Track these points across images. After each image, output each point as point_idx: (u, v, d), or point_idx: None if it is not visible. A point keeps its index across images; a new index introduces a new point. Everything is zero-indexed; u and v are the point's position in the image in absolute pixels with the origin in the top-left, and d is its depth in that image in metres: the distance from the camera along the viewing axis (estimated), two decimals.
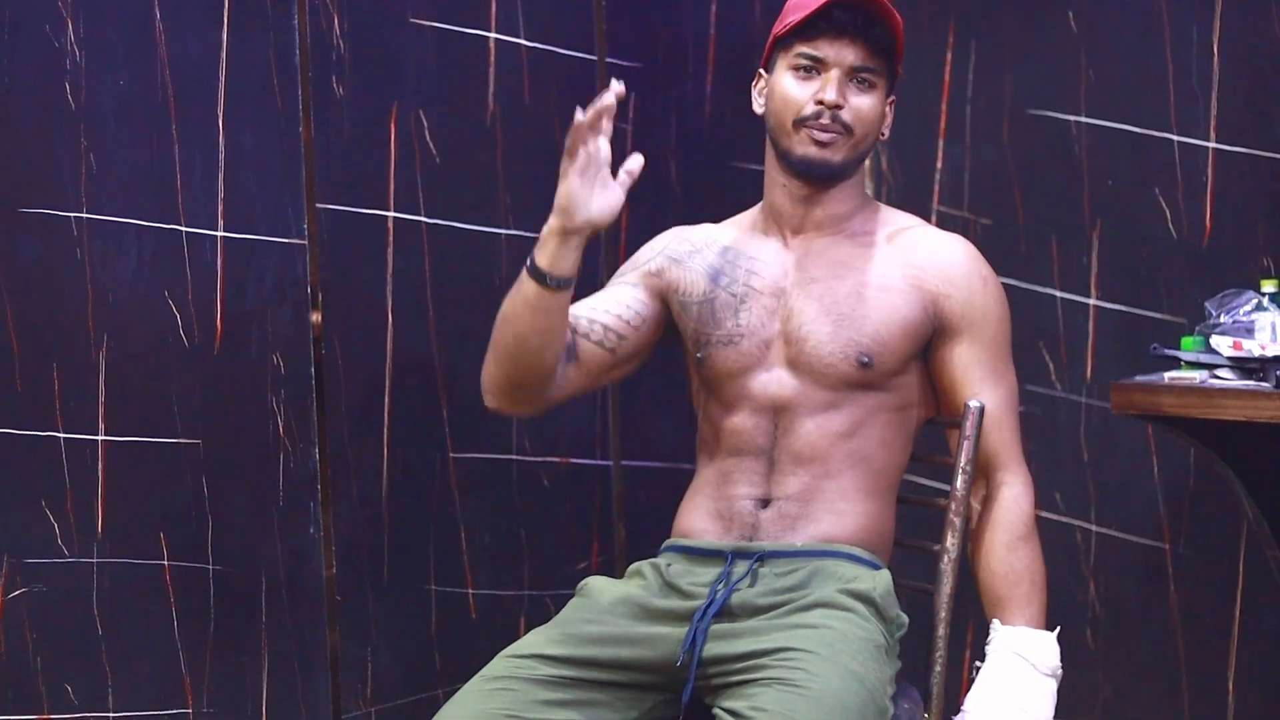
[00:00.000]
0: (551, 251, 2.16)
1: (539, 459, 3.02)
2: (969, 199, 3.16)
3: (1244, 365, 2.45)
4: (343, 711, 2.78)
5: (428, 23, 2.86)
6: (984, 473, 2.27)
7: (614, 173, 2.15)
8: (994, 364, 2.27)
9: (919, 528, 2.41)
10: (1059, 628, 2.21)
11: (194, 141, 2.59)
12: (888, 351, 2.23)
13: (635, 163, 2.14)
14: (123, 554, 2.53)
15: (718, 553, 2.23)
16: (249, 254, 2.65)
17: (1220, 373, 2.47)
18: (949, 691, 2.25)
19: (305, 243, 2.71)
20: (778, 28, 2.26)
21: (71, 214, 2.47)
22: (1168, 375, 2.51)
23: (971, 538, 2.27)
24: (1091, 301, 3.01)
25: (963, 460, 2.24)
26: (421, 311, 2.87)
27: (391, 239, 2.83)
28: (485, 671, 2.15)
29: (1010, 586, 2.22)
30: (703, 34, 3.27)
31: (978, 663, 2.21)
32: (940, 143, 3.19)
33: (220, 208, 2.62)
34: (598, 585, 2.26)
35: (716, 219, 2.42)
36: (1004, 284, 2.34)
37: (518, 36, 2.98)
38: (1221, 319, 2.54)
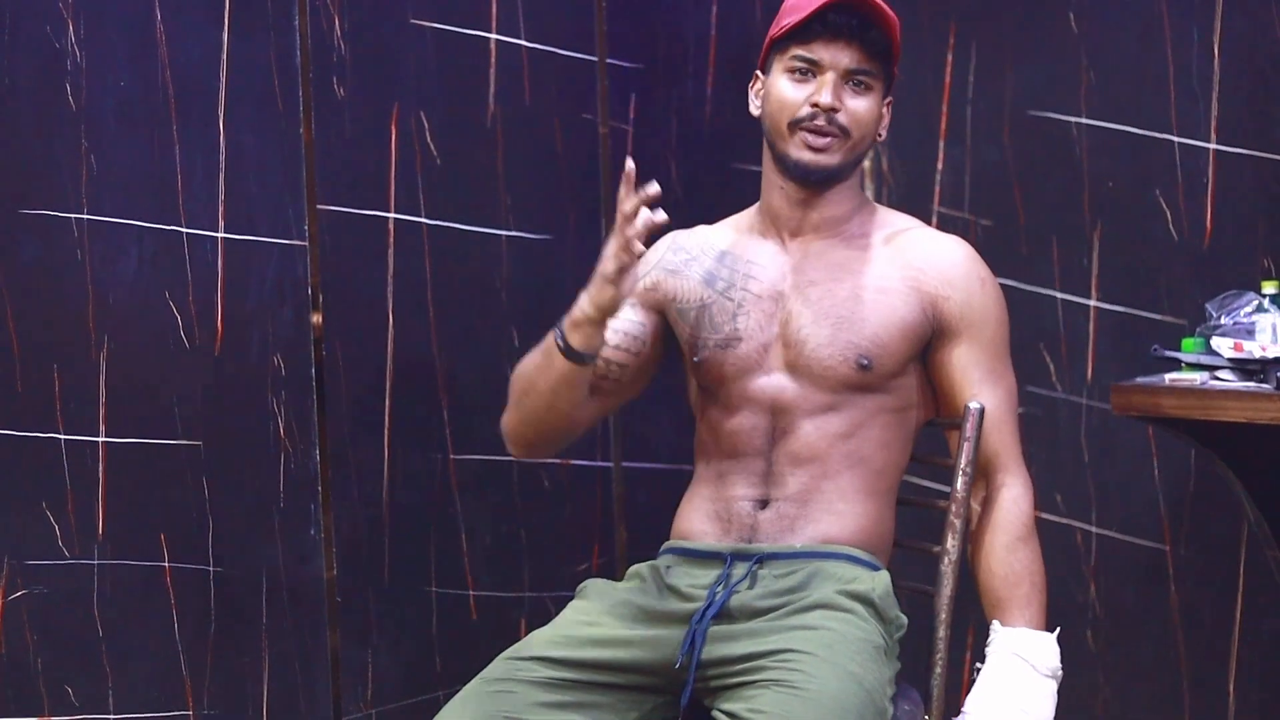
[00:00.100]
0: (588, 336, 2.17)
1: (539, 461, 3.02)
2: (969, 200, 3.16)
3: (1244, 367, 2.45)
4: (343, 713, 2.78)
5: (428, 23, 2.86)
6: (983, 474, 2.27)
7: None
8: (993, 365, 2.27)
9: (919, 529, 2.40)
10: (1059, 628, 2.21)
11: (195, 142, 2.59)
12: (887, 354, 2.23)
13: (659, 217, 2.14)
14: (123, 555, 2.53)
15: (716, 555, 2.23)
16: (249, 255, 2.65)
17: (1221, 374, 2.47)
18: (949, 693, 2.25)
19: (306, 244, 2.71)
20: (774, 30, 2.26)
21: (72, 215, 2.47)
22: (1168, 376, 2.51)
23: (971, 539, 2.27)
24: (1092, 303, 3.01)
25: (963, 462, 2.24)
26: (422, 313, 2.87)
27: (392, 240, 2.83)
28: (485, 673, 2.15)
29: (1010, 587, 2.21)
30: (703, 34, 3.27)
31: (978, 664, 2.21)
32: (941, 144, 3.19)
33: (221, 209, 2.62)
34: (597, 588, 2.27)
35: (717, 219, 2.42)
36: (1004, 285, 2.34)
37: (518, 37, 2.98)
38: (1222, 320, 2.54)
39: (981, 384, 2.26)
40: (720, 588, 2.17)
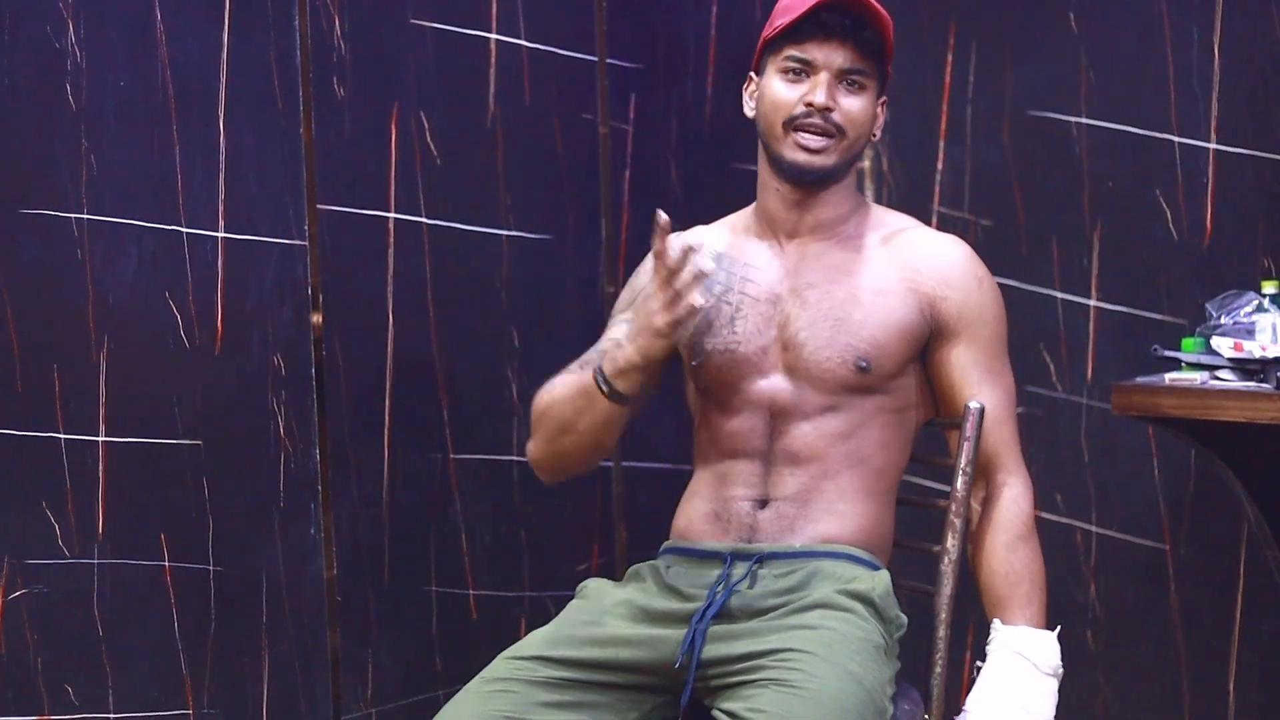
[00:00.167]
0: (634, 381, 2.18)
1: None
2: (969, 200, 3.16)
3: (1244, 366, 2.45)
4: (343, 712, 2.78)
5: (428, 24, 2.86)
6: (983, 473, 2.28)
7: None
8: (991, 364, 2.27)
9: (919, 529, 2.41)
10: (1059, 627, 2.21)
11: (195, 142, 2.59)
12: (885, 355, 2.23)
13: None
14: (123, 555, 2.53)
15: (716, 554, 2.23)
16: (250, 255, 2.65)
17: (1221, 374, 2.47)
18: (949, 693, 2.25)
19: (306, 244, 2.71)
20: (767, 31, 2.27)
21: (72, 215, 2.47)
22: (1168, 376, 2.51)
23: (971, 538, 2.27)
24: (1092, 303, 3.01)
25: (963, 461, 2.24)
26: (422, 312, 2.87)
27: (392, 240, 2.83)
28: (485, 673, 2.15)
29: (1011, 586, 2.22)
30: (703, 34, 3.27)
31: (979, 662, 2.21)
32: (941, 144, 3.19)
33: (221, 208, 2.62)
34: (597, 588, 2.27)
35: (716, 219, 2.42)
36: (1004, 285, 2.34)
37: (518, 37, 2.98)
38: (1222, 320, 2.54)
39: (980, 383, 2.26)
40: (720, 587, 2.17)
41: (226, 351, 2.63)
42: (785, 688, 2.01)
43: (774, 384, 2.26)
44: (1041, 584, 2.23)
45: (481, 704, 2.10)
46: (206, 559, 2.62)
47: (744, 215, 2.38)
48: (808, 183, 2.26)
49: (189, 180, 2.58)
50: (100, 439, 2.51)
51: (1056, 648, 2.19)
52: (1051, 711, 2.17)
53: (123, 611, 2.52)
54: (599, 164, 3.11)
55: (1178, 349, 2.55)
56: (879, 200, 3.23)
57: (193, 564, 2.60)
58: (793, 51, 2.23)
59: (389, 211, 2.82)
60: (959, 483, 2.25)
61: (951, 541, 2.25)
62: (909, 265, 2.27)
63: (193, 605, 2.60)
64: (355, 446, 2.79)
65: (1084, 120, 3.01)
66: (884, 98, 2.29)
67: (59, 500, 2.47)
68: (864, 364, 2.22)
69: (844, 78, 2.23)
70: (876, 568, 2.23)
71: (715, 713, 2.06)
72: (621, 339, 2.20)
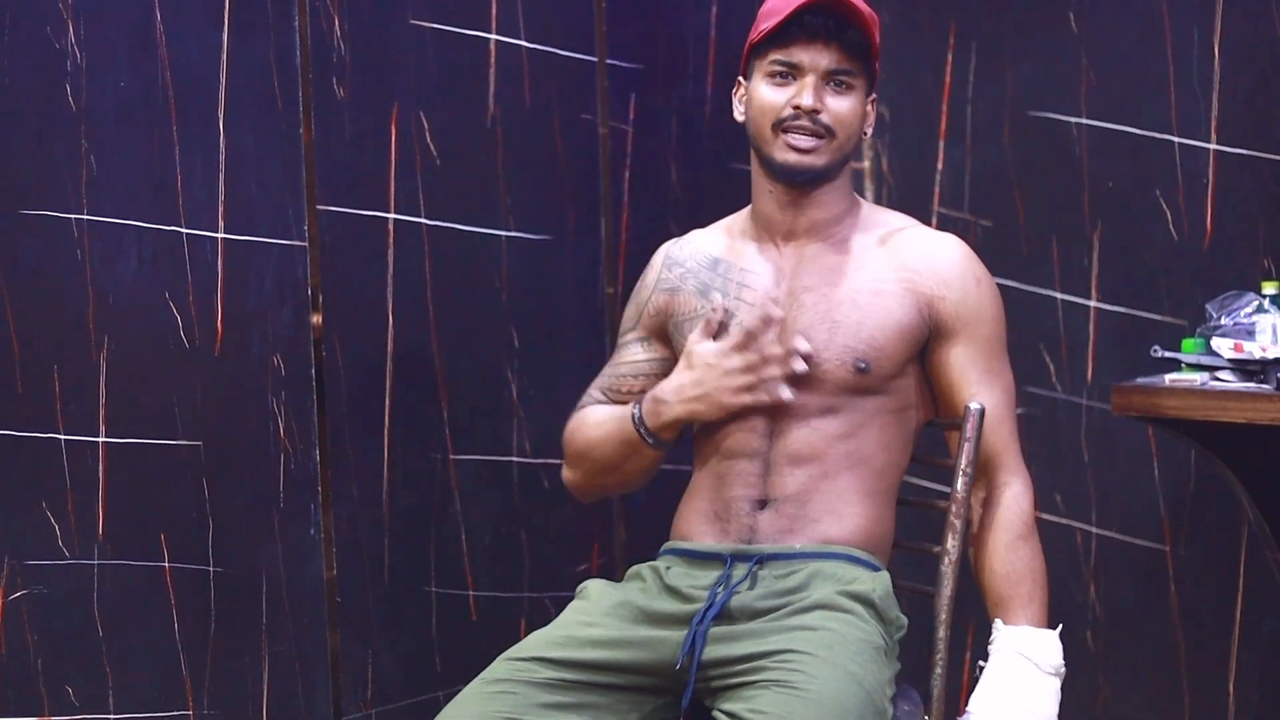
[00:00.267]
0: (677, 432, 2.29)
1: (539, 461, 3.02)
2: (969, 200, 3.16)
3: (1245, 367, 2.45)
4: (343, 713, 2.78)
5: (428, 24, 2.86)
6: (983, 473, 2.27)
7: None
8: (990, 364, 2.27)
9: (919, 530, 2.41)
10: (1061, 626, 2.21)
11: (194, 143, 2.59)
12: (884, 356, 2.23)
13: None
14: (123, 555, 2.53)
15: (716, 555, 2.23)
16: (249, 255, 2.65)
17: (1221, 375, 2.47)
18: (949, 694, 2.25)
19: (306, 244, 2.71)
20: (752, 35, 2.27)
21: (72, 215, 2.47)
22: (1168, 377, 2.51)
23: (972, 538, 2.27)
24: (1092, 303, 3.01)
25: (963, 462, 2.24)
26: (422, 313, 2.87)
27: (392, 240, 2.83)
28: (485, 674, 2.15)
29: (1012, 586, 2.21)
30: (703, 34, 3.27)
31: (980, 662, 2.21)
32: (940, 144, 3.19)
33: (221, 209, 2.62)
34: (597, 589, 2.27)
35: (716, 220, 2.42)
36: (1004, 286, 2.35)
37: (518, 38, 2.98)
38: (1222, 321, 2.54)
39: (979, 383, 2.26)
40: (720, 588, 2.17)
41: (226, 352, 2.63)
42: (786, 689, 2.01)
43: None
44: (1043, 583, 2.23)
45: (481, 705, 2.09)
46: (206, 559, 2.62)
47: (740, 218, 2.38)
48: (800, 183, 2.26)
49: (189, 181, 2.58)
50: (100, 439, 2.51)
51: (1059, 647, 2.19)
52: (1054, 711, 2.17)
53: (123, 612, 2.52)
54: (599, 164, 3.11)
55: (1178, 350, 2.55)
56: (879, 200, 3.23)
57: (193, 564, 2.60)
58: (778, 55, 2.24)
59: (389, 212, 2.82)
60: (959, 483, 2.25)
61: (951, 542, 2.25)
62: (906, 265, 2.26)
63: (193, 606, 2.60)
64: (355, 447, 2.79)
65: (1084, 120, 3.01)
66: (873, 95, 2.29)
67: (59, 501, 2.47)
68: (863, 365, 2.22)
69: (830, 79, 2.23)
70: (877, 569, 2.22)
71: (716, 714, 2.06)
72: (667, 396, 2.26)
